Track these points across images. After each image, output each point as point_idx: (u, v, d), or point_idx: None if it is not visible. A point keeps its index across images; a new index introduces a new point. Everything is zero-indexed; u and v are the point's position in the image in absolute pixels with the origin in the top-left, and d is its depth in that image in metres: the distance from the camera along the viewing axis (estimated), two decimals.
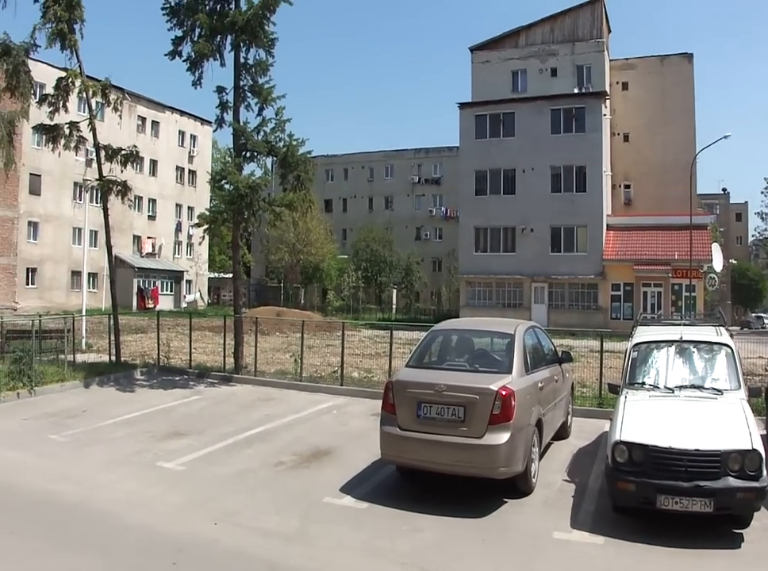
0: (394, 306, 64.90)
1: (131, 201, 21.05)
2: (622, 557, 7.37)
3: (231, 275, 78.29)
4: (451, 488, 9.35)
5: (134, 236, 64.89)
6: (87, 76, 19.82)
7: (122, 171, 20.54)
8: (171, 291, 67.57)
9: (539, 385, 9.98)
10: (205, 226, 19.54)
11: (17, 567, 7.01)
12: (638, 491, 7.78)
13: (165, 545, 7.59)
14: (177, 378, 19.64)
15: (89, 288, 60.44)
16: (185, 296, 68.55)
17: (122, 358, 20.90)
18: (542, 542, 7.80)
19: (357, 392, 17.43)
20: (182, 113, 71.19)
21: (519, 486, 9.20)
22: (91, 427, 13.48)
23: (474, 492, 9.21)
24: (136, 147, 20.99)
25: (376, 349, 26.46)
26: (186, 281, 70.05)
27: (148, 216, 66.82)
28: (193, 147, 72.84)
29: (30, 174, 55.02)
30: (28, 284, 55.91)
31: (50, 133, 19.74)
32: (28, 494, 9.26)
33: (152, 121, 66.94)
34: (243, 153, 19.44)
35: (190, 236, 70.61)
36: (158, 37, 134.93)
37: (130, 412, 14.84)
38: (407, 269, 70.78)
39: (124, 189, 20.22)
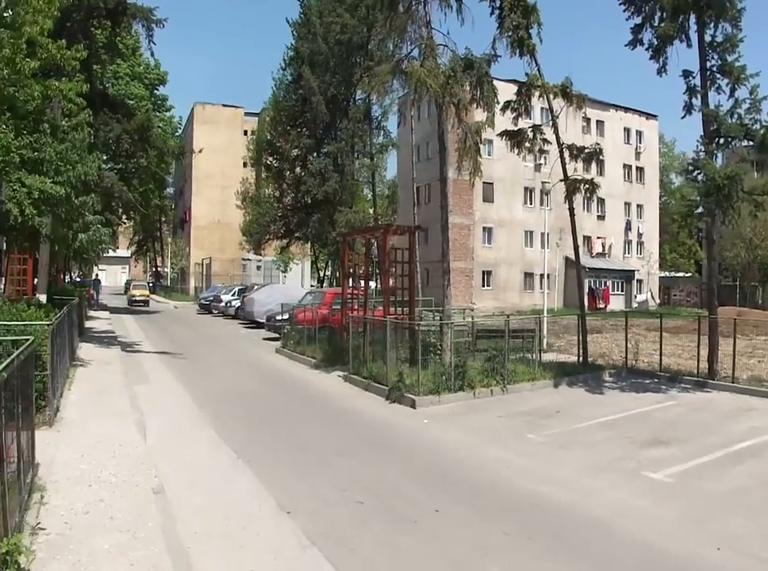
0: None
1: (598, 197, 20.52)
2: None
3: (682, 274, 75.98)
4: None
5: (584, 237, 64.54)
6: None
7: (585, 169, 20.10)
8: (622, 291, 66.07)
9: None
10: (681, 221, 18.18)
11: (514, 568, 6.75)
12: None
13: (665, 565, 6.81)
14: (647, 381, 18.58)
15: (540, 288, 62.18)
16: (635, 296, 66.73)
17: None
18: None
19: None
20: (627, 109, 69.56)
21: None
22: (567, 428, 13.07)
23: None
24: (598, 144, 20.54)
25: None
26: (637, 280, 68.13)
27: (597, 216, 66.30)
28: (639, 143, 70.64)
29: (483, 182, 57.51)
30: (483, 286, 58.77)
31: (514, 138, 20.03)
32: (516, 494, 9.02)
33: (596, 121, 66.24)
34: (716, 139, 17.67)
35: (640, 235, 68.78)
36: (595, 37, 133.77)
37: (604, 415, 14.16)
38: None
39: (591, 186, 19.76)
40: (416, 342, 16.26)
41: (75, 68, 16.77)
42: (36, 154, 15.41)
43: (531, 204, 60.44)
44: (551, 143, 20.25)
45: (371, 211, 51.67)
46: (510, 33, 18.40)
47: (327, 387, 17.62)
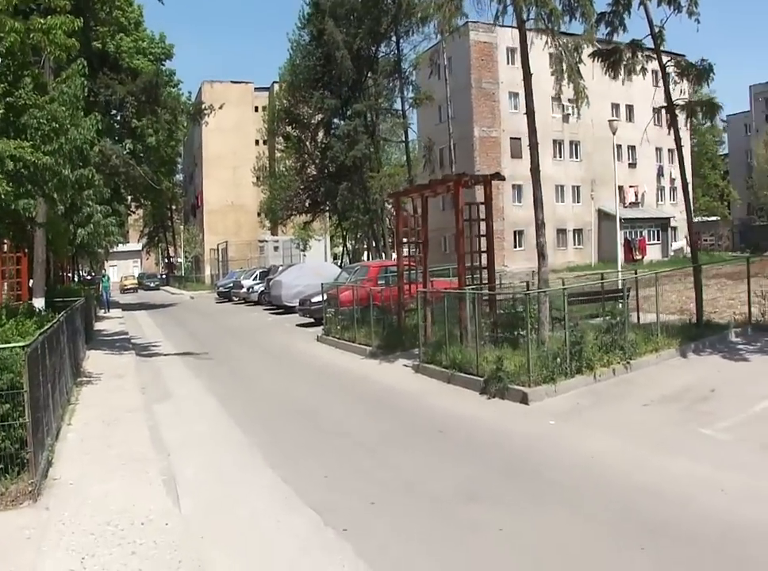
0: None
1: (725, 122, 17.00)
2: None
3: (712, 218, 71.85)
4: None
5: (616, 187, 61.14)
6: None
7: (695, 91, 16.52)
8: (658, 240, 62.58)
9: None
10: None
11: None
12: None
13: None
14: None
15: (574, 244, 58.55)
16: (671, 245, 63.06)
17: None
18: None
19: None
20: (654, 50, 65.49)
21: None
22: (742, 414, 9.69)
23: None
24: (706, 59, 16.77)
25: None
26: (671, 228, 64.35)
27: (629, 164, 62.36)
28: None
29: (510, 138, 54.23)
30: (515, 247, 55.49)
31: (608, 58, 16.61)
32: None
33: (624, 64, 62.20)
34: None
35: (672, 180, 65.03)
36: None
37: None
38: None
39: (710, 108, 16.12)
40: (524, 315, 12.81)
41: (65, 9, 12.92)
42: (10, 115, 11.70)
43: (560, 157, 56.83)
44: (653, 59, 16.65)
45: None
46: None
47: (397, 383, 13.96)
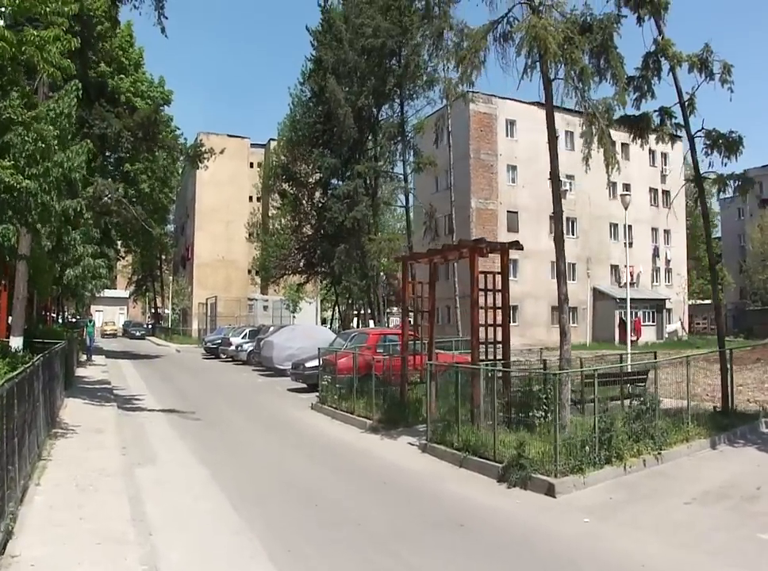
0: None
1: (760, 197, 16.12)
2: None
3: (707, 301, 71.45)
4: None
5: (611, 266, 60.53)
6: None
7: (725, 164, 15.69)
8: (653, 322, 61.68)
9: None
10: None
11: None
12: None
13: None
14: None
15: (569, 322, 57.47)
16: (665, 327, 62.29)
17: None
18: None
19: None
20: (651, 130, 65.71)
21: None
22: None
23: None
24: (734, 132, 15.93)
25: None
26: (666, 309, 63.70)
27: (624, 243, 62.04)
28: (665, 165, 66.74)
29: (507, 211, 53.70)
30: (510, 321, 54.04)
31: (636, 126, 15.88)
32: None
33: (621, 144, 62.02)
34: None
35: (668, 261, 65.06)
36: None
37: None
38: None
39: (744, 183, 15.26)
40: (542, 396, 11.79)
41: (63, 25, 11.99)
42: None
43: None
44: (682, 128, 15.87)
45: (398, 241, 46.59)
46: None
47: (403, 462, 12.73)
